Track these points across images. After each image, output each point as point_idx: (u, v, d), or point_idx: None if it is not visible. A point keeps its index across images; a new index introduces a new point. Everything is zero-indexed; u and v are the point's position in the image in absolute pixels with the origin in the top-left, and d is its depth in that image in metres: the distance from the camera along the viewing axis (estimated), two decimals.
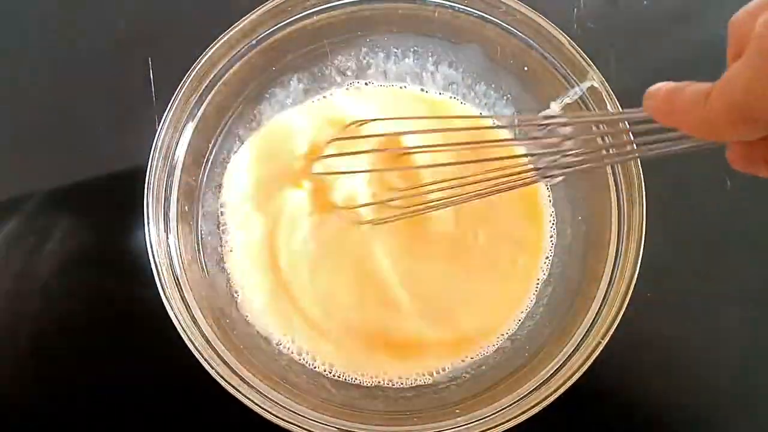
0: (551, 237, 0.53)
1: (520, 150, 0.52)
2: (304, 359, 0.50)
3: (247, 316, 0.51)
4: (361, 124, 0.51)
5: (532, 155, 0.41)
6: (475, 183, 0.44)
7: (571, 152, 0.39)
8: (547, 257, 0.53)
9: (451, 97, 0.56)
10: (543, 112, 0.39)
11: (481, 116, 0.55)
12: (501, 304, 0.52)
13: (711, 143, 0.29)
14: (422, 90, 0.56)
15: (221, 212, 0.53)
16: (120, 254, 0.53)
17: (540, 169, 0.39)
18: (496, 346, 0.51)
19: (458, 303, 0.51)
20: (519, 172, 0.41)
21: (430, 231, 0.52)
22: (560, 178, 0.40)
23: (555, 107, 0.50)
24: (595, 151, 0.41)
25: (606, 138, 0.42)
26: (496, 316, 0.52)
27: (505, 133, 0.55)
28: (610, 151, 0.42)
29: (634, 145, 0.36)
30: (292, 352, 0.51)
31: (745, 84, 0.24)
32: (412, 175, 0.52)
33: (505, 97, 0.54)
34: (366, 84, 0.56)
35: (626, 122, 0.37)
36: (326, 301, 0.51)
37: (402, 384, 0.50)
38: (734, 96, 0.25)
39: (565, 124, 0.40)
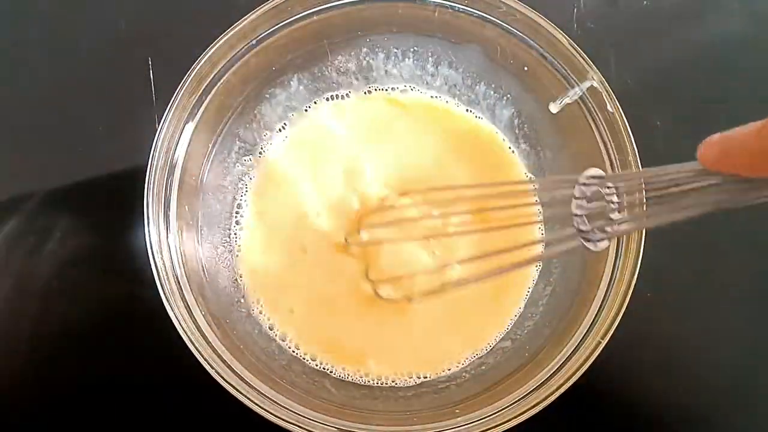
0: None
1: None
2: (304, 359, 0.51)
3: (247, 316, 0.51)
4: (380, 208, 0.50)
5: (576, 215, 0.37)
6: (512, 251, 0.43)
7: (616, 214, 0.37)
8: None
9: (447, 101, 0.56)
10: (586, 171, 0.37)
11: (520, 182, 0.54)
12: (496, 306, 0.52)
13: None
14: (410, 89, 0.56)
15: (227, 211, 0.53)
16: (120, 254, 0.53)
17: (583, 232, 0.37)
18: (493, 347, 0.51)
19: (455, 305, 0.52)
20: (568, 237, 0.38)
21: None
22: (606, 243, 0.38)
23: (554, 108, 0.50)
24: (639, 208, 0.38)
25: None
26: (493, 318, 0.52)
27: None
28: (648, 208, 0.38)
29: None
30: (293, 352, 0.51)
31: None
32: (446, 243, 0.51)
33: (505, 97, 0.54)
34: (366, 90, 0.56)
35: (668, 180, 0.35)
36: (327, 306, 0.51)
37: (402, 383, 0.50)
38: None
39: (605, 185, 0.38)
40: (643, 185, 0.37)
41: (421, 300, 0.50)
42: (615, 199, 0.37)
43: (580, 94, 0.47)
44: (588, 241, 0.37)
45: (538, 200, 0.52)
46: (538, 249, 0.50)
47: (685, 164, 0.32)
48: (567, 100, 0.48)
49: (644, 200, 0.38)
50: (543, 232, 0.53)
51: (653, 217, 0.34)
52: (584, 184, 0.37)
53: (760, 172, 0.27)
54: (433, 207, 0.51)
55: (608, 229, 0.37)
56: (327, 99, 0.55)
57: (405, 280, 0.50)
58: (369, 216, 0.51)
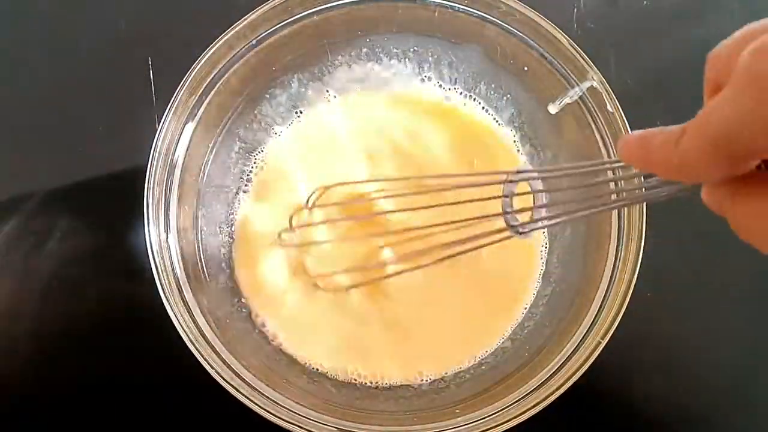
0: (550, 237, 0.53)
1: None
2: (303, 360, 0.50)
3: (247, 317, 0.51)
4: (325, 189, 0.49)
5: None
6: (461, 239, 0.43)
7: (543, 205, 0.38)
8: (542, 257, 0.53)
9: (447, 101, 0.56)
10: (516, 166, 0.38)
11: (456, 175, 0.53)
12: (496, 306, 0.52)
13: (687, 188, 0.29)
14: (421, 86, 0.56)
15: (227, 211, 0.53)
16: (120, 254, 0.53)
17: (512, 225, 0.38)
18: (496, 347, 0.51)
19: (454, 306, 0.52)
20: (500, 230, 0.39)
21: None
22: (535, 234, 0.39)
23: (553, 109, 0.50)
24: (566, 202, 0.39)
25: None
26: (493, 319, 0.52)
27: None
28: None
29: (615, 195, 0.35)
30: (293, 352, 0.51)
31: (728, 117, 0.23)
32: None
33: (505, 98, 0.54)
34: (366, 90, 0.56)
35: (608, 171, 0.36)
36: (327, 306, 0.51)
37: (402, 384, 0.50)
38: (713, 131, 0.24)
39: (542, 178, 0.39)
40: (568, 176, 0.39)
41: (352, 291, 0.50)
42: (540, 192, 0.38)
43: (580, 94, 0.47)
44: (518, 234, 0.38)
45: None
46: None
47: (611, 159, 0.33)
48: (567, 100, 0.48)
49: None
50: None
51: (575, 208, 0.35)
52: (511, 181, 0.38)
53: (681, 179, 0.27)
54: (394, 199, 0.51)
55: (536, 220, 0.38)
56: (327, 99, 0.55)
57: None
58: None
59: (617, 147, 0.31)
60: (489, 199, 0.40)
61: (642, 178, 0.36)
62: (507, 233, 0.39)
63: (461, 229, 0.42)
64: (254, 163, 0.54)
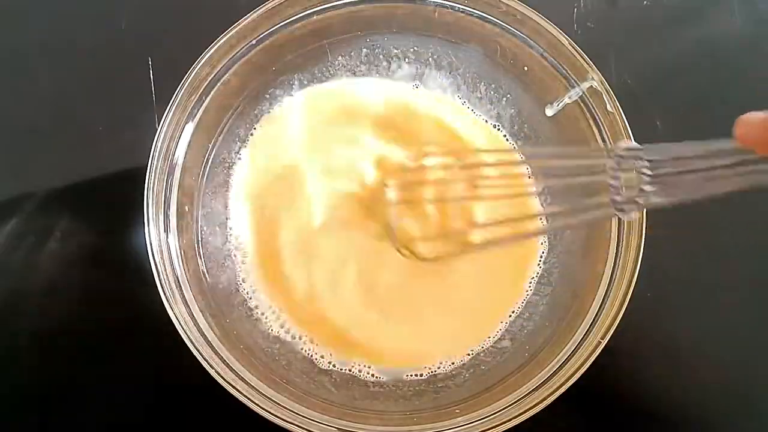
0: (550, 236, 0.53)
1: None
2: (304, 358, 0.50)
3: (247, 316, 0.51)
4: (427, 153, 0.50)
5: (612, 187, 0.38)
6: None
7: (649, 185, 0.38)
8: (541, 256, 0.53)
9: (447, 101, 0.56)
10: (620, 143, 0.38)
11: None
12: (494, 303, 0.52)
13: None
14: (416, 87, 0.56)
15: (227, 211, 0.53)
16: (120, 254, 0.53)
17: (616, 202, 0.38)
18: (493, 346, 0.51)
19: (454, 302, 0.52)
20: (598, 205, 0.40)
21: None
22: (636, 214, 0.39)
23: (550, 111, 0.50)
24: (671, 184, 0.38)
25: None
26: (490, 315, 0.52)
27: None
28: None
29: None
30: (293, 352, 0.51)
31: None
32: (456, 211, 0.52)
33: (505, 98, 0.54)
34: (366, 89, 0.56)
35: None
36: (329, 303, 0.51)
37: (402, 381, 0.50)
38: None
39: (638, 158, 0.38)
40: (676, 159, 0.37)
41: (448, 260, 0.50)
42: (647, 171, 0.37)
43: (580, 94, 0.47)
44: (620, 211, 0.38)
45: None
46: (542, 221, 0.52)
47: (720, 141, 0.32)
48: (566, 100, 0.48)
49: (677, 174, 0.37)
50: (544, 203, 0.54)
51: (683, 191, 0.34)
52: (620, 156, 0.38)
53: None
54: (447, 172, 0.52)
55: (639, 200, 0.37)
56: (327, 99, 0.55)
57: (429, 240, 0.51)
58: (390, 177, 0.52)
59: (736, 126, 0.30)
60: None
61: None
62: (606, 211, 0.38)
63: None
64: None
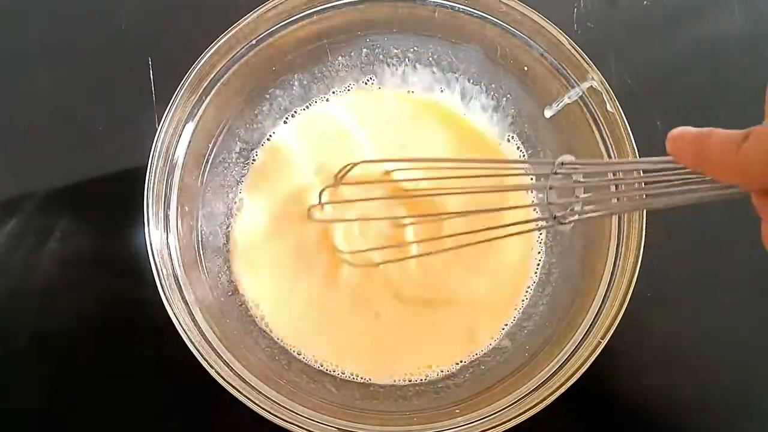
0: (550, 236, 0.53)
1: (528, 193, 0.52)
2: (304, 359, 0.50)
3: (247, 317, 0.51)
4: (352, 167, 0.50)
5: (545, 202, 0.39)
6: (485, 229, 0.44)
7: (585, 198, 0.39)
8: (541, 257, 0.53)
9: (447, 101, 0.56)
10: (559, 158, 0.38)
11: (491, 161, 0.54)
12: (495, 304, 0.52)
13: (738, 192, 0.29)
14: (410, 91, 0.56)
15: (228, 211, 0.53)
16: (120, 254, 0.53)
17: (555, 216, 0.39)
18: (493, 345, 0.51)
19: (453, 302, 0.52)
20: (530, 220, 0.40)
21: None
22: (570, 226, 0.40)
23: (548, 112, 0.50)
24: (607, 198, 0.40)
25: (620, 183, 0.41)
26: (491, 316, 0.52)
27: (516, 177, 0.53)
28: (623, 199, 0.41)
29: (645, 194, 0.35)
30: (293, 352, 0.51)
31: None
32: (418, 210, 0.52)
33: (505, 98, 0.54)
34: (365, 83, 0.56)
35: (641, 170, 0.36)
36: (326, 305, 0.51)
37: (402, 382, 0.50)
38: None
39: (577, 172, 0.39)
40: (615, 173, 0.40)
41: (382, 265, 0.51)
42: (582, 184, 0.39)
43: (580, 94, 0.47)
44: (560, 224, 0.38)
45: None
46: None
47: (660, 158, 0.33)
48: (567, 100, 0.48)
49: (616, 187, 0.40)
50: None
51: (621, 203, 0.35)
52: (557, 173, 0.38)
53: (739, 183, 0.28)
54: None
55: (575, 209, 0.38)
56: (327, 99, 0.55)
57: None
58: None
59: (667, 141, 0.31)
60: (520, 189, 0.40)
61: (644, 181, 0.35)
62: (541, 223, 0.38)
63: (484, 215, 0.42)
64: (253, 162, 0.54)
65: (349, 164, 0.50)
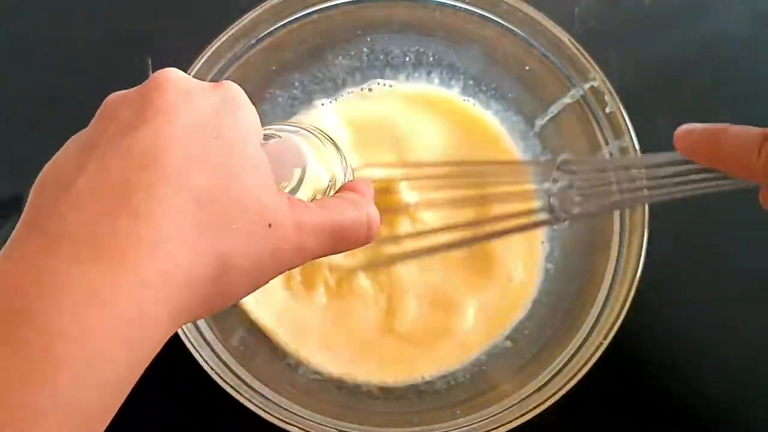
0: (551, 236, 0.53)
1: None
2: (305, 361, 0.50)
3: (247, 317, 0.51)
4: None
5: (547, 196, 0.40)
6: (483, 224, 0.44)
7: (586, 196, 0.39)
8: (541, 258, 0.53)
9: (448, 101, 0.56)
10: (560, 156, 0.39)
11: (490, 162, 0.54)
12: (496, 304, 0.52)
13: (747, 183, 0.29)
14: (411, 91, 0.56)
15: None
16: None
17: (554, 213, 0.39)
18: (493, 346, 0.51)
19: (453, 303, 0.51)
20: (530, 214, 0.40)
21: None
22: (569, 223, 0.40)
23: (550, 113, 0.50)
24: (608, 194, 0.40)
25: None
26: (495, 317, 0.52)
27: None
28: (624, 195, 0.41)
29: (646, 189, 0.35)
30: (294, 352, 0.50)
31: None
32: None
33: (505, 97, 0.54)
34: (367, 89, 0.55)
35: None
36: (326, 305, 0.51)
37: (402, 383, 0.50)
38: None
39: (574, 172, 0.39)
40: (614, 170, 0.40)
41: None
42: (582, 183, 0.38)
43: (582, 93, 0.47)
44: (560, 221, 0.39)
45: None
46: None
47: (660, 154, 0.33)
48: (568, 100, 0.48)
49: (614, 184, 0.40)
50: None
51: (622, 199, 0.35)
52: (559, 169, 0.38)
53: (755, 180, 0.28)
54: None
55: (574, 210, 0.38)
56: (327, 99, 0.55)
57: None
58: None
59: (676, 138, 0.31)
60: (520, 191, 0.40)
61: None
62: (541, 219, 0.38)
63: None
64: None
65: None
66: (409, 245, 0.51)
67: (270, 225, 0.26)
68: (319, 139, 0.35)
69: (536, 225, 0.40)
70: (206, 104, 0.27)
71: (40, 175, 0.27)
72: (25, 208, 0.26)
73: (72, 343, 0.21)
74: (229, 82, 0.30)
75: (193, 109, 0.27)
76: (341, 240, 0.30)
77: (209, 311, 0.27)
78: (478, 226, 0.44)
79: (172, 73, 0.28)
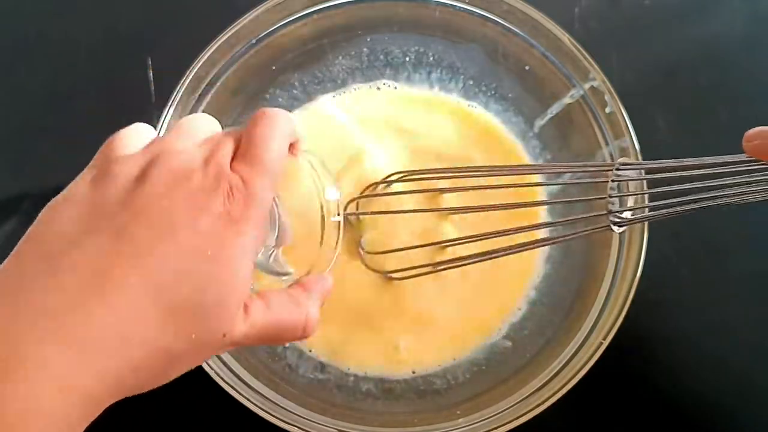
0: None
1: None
2: (306, 361, 0.50)
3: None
4: (386, 180, 0.50)
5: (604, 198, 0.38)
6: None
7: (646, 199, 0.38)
8: (542, 258, 0.53)
9: (448, 101, 0.55)
10: (619, 159, 0.38)
11: (532, 165, 0.53)
12: (497, 304, 0.52)
13: None
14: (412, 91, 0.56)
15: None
16: None
17: (612, 214, 0.38)
18: (494, 346, 0.51)
19: (455, 301, 0.51)
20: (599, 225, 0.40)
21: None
22: (626, 228, 0.39)
23: (550, 113, 0.50)
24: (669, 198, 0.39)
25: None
26: (492, 317, 0.52)
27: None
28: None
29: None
30: (295, 354, 0.50)
31: None
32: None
33: (506, 97, 0.54)
34: (366, 83, 0.55)
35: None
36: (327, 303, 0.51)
37: (403, 383, 0.50)
38: None
39: (631, 177, 0.38)
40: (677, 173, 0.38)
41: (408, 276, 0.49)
42: (645, 187, 0.38)
43: (582, 93, 0.47)
44: (614, 224, 0.38)
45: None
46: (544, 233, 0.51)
47: (723, 156, 0.32)
48: (568, 100, 0.48)
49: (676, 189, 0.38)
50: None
51: (682, 205, 0.35)
52: (618, 170, 0.38)
53: None
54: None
55: (628, 215, 0.37)
56: (327, 99, 0.55)
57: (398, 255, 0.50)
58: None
59: (746, 139, 0.31)
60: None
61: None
62: (596, 226, 0.39)
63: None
64: None
65: (395, 173, 0.49)
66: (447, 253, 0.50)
67: (224, 335, 0.29)
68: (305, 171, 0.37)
69: (590, 232, 0.40)
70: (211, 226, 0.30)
71: (38, 222, 0.30)
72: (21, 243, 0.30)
73: None
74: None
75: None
76: (274, 338, 0.32)
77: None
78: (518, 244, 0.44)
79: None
